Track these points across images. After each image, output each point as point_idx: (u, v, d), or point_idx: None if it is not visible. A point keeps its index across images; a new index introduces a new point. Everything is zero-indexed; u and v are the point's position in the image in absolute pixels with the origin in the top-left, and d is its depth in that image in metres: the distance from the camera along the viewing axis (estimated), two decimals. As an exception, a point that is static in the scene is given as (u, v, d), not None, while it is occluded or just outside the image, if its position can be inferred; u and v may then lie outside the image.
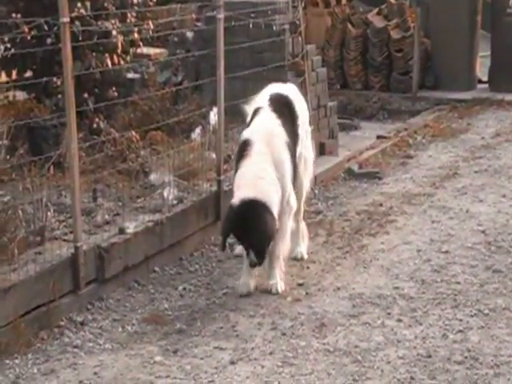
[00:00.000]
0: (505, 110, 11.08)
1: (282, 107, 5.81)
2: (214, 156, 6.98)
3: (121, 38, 7.65)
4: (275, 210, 5.39)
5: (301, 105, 6.11)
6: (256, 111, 5.80)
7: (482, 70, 12.23)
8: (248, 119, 5.87)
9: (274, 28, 9.04)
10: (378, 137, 9.74)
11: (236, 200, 5.36)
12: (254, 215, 5.28)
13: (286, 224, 5.63)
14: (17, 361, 4.69)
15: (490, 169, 8.42)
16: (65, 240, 5.50)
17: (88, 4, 7.43)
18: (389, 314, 5.28)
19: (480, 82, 12.21)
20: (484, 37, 12.49)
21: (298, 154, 5.88)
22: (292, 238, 5.90)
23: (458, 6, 11.80)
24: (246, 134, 5.65)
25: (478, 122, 10.50)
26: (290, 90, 6.15)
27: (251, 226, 5.29)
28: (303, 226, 6.25)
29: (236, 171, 5.56)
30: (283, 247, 5.65)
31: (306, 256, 6.15)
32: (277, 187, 5.45)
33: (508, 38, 11.63)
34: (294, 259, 6.11)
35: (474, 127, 10.24)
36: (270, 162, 5.46)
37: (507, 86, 11.58)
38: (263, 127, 5.63)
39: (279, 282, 5.63)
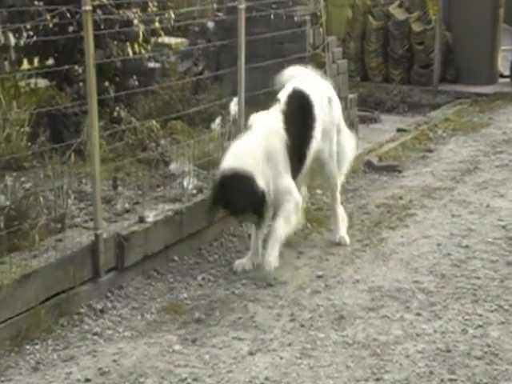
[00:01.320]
0: (526, 104, 11.01)
1: (297, 108, 5.89)
2: (234, 146, 6.95)
3: (142, 27, 7.66)
4: (256, 172, 5.52)
5: (325, 107, 6.10)
6: (275, 101, 5.95)
7: (503, 64, 12.14)
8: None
9: (295, 19, 9.02)
10: (398, 130, 9.70)
11: (219, 170, 5.62)
12: (233, 178, 5.48)
13: (289, 209, 5.71)
14: (37, 346, 4.71)
15: (510, 164, 8.37)
16: (85, 227, 5.51)
17: (110, -8, 7.43)
18: (408, 307, 5.26)
19: (501, 76, 12.12)
20: (506, 31, 12.42)
21: (321, 152, 6.07)
22: (332, 224, 6.33)
23: (481, -1, 11.73)
24: (251, 120, 5.85)
25: (500, 116, 10.44)
26: (316, 90, 6.12)
27: (232, 188, 5.49)
28: (341, 210, 6.42)
29: None
30: (284, 229, 5.69)
31: (348, 241, 6.27)
32: (257, 160, 5.57)
33: (531, 32, 11.56)
34: (338, 245, 6.23)
35: (495, 121, 10.18)
36: (261, 147, 5.63)
37: (529, 80, 11.51)
38: (265, 123, 5.78)
39: (274, 260, 5.63)
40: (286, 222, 5.72)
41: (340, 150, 6.35)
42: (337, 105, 6.35)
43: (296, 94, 6.00)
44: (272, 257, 5.65)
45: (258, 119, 5.87)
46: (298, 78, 6.22)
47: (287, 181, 5.74)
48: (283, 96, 5.99)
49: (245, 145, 5.70)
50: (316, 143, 6.02)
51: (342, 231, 6.35)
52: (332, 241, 6.33)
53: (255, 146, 5.66)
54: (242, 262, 5.84)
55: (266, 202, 5.60)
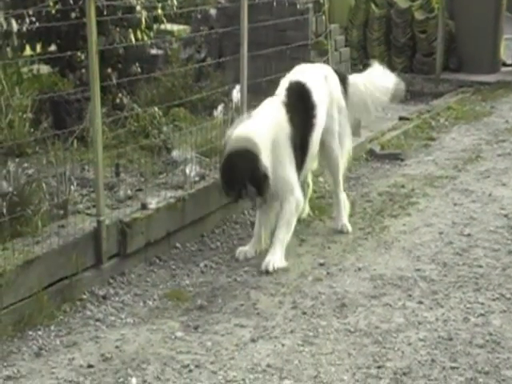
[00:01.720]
0: (529, 93, 10.99)
1: (296, 98, 5.89)
2: (236, 134, 6.94)
3: (144, 13, 7.64)
4: (263, 147, 5.53)
5: (324, 90, 6.10)
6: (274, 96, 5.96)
7: (506, 52, 12.11)
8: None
9: (298, 6, 9.01)
10: (401, 118, 9.68)
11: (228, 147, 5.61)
12: (238, 150, 5.52)
13: (290, 211, 5.72)
14: (40, 332, 4.72)
15: (513, 152, 8.37)
16: (88, 214, 5.51)
17: (113, -21, 7.41)
18: (410, 295, 5.27)
19: (504, 64, 12.10)
20: (509, 19, 12.37)
21: (324, 132, 6.09)
22: (334, 212, 6.38)
23: (484, -13, 11.68)
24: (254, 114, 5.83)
25: (502, 105, 10.42)
26: (312, 76, 6.14)
27: (235, 160, 5.51)
28: (344, 197, 6.42)
29: None
30: (286, 232, 5.72)
31: (350, 229, 6.28)
32: (268, 135, 5.60)
33: (534, 20, 11.53)
34: (340, 232, 6.24)
35: (497, 110, 10.16)
36: (270, 128, 5.64)
37: (532, 69, 11.49)
38: (268, 113, 5.76)
39: (273, 261, 5.61)
40: (287, 227, 5.74)
41: (341, 130, 6.32)
42: (334, 83, 6.28)
43: (293, 85, 6.00)
44: (274, 256, 5.64)
45: (261, 109, 5.85)
46: (294, 72, 6.23)
47: (290, 174, 5.72)
48: (281, 90, 6.00)
49: (254, 123, 5.67)
50: (319, 130, 6.03)
51: (344, 219, 6.35)
52: (334, 228, 6.34)
53: (263, 127, 5.64)
54: (245, 250, 5.85)
55: (267, 179, 5.56)
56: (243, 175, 5.54)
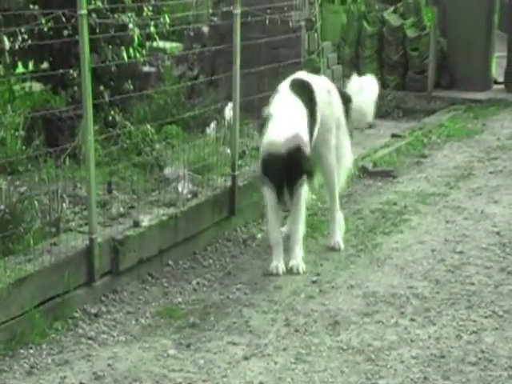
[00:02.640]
0: (520, 111, 11.03)
1: (301, 90, 6.07)
2: (228, 151, 6.97)
3: (137, 31, 7.66)
4: (307, 151, 5.78)
5: (325, 96, 6.22)
6: (276, 93, 6.15)
7: (497, 70, 12.17)
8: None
9: (291, 24, 9.05)
10: (393, 135, 9.71)
11: (275, 143, 5.70)
12: (295, 154, 5.66)
13: (300, 210, 5.92)
14: (31, 351, 4.70)
15: (505, 170, 8.38)
16: (80, 232, 5.50)
17: (105, -3, 7.44)
18: (402, 313, 5.26)
19: (496, 82, 12.15)
20: (500, 37, 12.43)
21: (321, 144, 6.23)
22: (329, 228, 6.44)
23: (475, 5, 11.74)
24: (268, 109, 5.99)
25: (494, 122, 10.46)
26: (315, 80, 6.32)
27: (296, 164, 5.68)
28: (340, 215, 6.47)
29: (263, 134, 5.89)
30: (302, 229, 5.95)
31: (342, 246, 6.32)
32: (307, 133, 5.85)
33: (525, 38, 11.58)
34: (332, 249, 6.28)
35: (489, 128, 10.20)
36: (299, 117, 5.88)
37: (523, 87, 11.53)
38: (284, 102, 5.97)
39: (301, 263, 5.85)
40: (301, 223, 5.94)
41: (339, 145, 6.37)
42: (336, 99, 6.39)
43: (296, 81, 6.18)
44: (298, 259, 5.86)
45: (276, 105, 5.99)
46: (297, 74, 6.44)
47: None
48: (284, 85, 6.15)
49: (284, 121, 5.81)
50: (317, 128, 6.13)
51: (338, 236, 6.36)
52: (327, 245, 6.35)
53: (298, 117, 5.85)
54: (278, 265, 5.84)
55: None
56: (302, 171, 5.77)
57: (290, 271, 5.84)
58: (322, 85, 6.33)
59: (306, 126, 5.87)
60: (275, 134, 5.75)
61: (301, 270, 5.83)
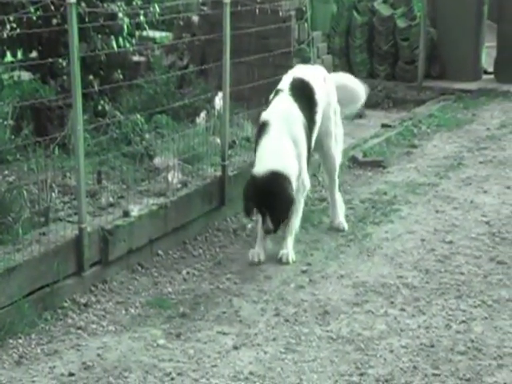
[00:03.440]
0: (510, 101, 11.00)
1: (301, 92, 6.09)
2: (218, 141, 6.95)
3: (127, 20, 7.62)
4: (294, 183, 5.78)
5: (323, 90, 6.27)
6: (276, 93, 6.15)
7: (487, 60, 12.18)
8: (270, 98, 6.21)
9: (280, 14, 9.02)
10: (383, 125, 9.70)
11: (259, 170, 5.74)
12: (277, 185, 5.67)
13: (300, 201, 6.00)
14: (20, 341, 4.69)
15: (494, 160, 8.40)
16: (69, 221, 5.48)
17: (94, -15, 7.40)
18: (392, 302, 5.27)
19: (486, 72, 12.15)
20: (490, 27, 12.43)
21: (322, 132, 6.28)
22: (331, 210, 6.55)
23: (465, -5, 11.75)
24: (265, 115, 5.98)
25: (484, 112, 10.47)
26: (313, 76, 6.34)
27: (273, 195, 5.66)
28: (339, 197, 6.61)
29: (256, 148, 5.93)
30: (296, 221, 6.00)
31: (346, 226, 6.44)
32: (295, 162, 5.82)
33: (514, 29, 11.58)
34: (337, 230, 6.39)
35: (479, 118, 10.21)
36: (289, 139, 5.84)
37: (513, 77, 11.54)
38: (281, 108, 5.96)
39: (290, 252, 5.88)
40: (296, 215, 5.99)
41: (338, 131, 6.51)
42: (331, 86, 6.47)
43: (297, 81, 6.19)
44: (288, 249, 5.89)
45: (271, 110, 5.98)
46: (295, 69, 6.47)
47: (304, 164, 5.98)
48: (285, 85, 6.16)
49: (276, 142, 5.80)
50: (317, 127, 6.21)
51: (341, 216, 6.51)
52: (331, 226, 6.48)
53: (287, 142, 5.81)
54: (258, 253, 5.88)
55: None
56: (275, 213, 5.75)
57: (279, 261, 5.85)
58: (319, 77, 6.36)
59: (294, 156, 5.80)
60: (261, 164, 5.75)
61: (290, 260, 5.84)
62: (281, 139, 5.82)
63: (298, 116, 5.93)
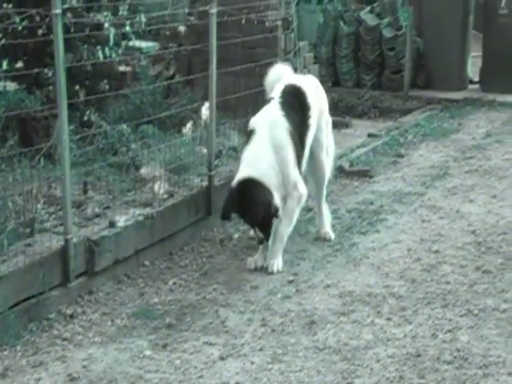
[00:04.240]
0: (496, 110, 11.09)
1: (293, 97, 6.11)
2: (205, 151, 6.96)
3: (113, 30, 7.62)
4: (273, 187, 5.75)
5: (316, 97, 6.31)
6: (268, 101, 6.18)
7: (473, 70, 12.24)
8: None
9: (267, 24, 9.03)
10: (369, 135, 9.74)
11: (235, 180, 5.79)
12: (249, 192, 5.68)
13: (292, 208, 5.99)
14: (5, 352, 4.66)
15: (480, 169, 8.43)
16: (55, 232, 5.46)
17: (80, -4, 7.40)
18: (378, 312, 5.28)
19: (471, 82, 12.23)
20: (476, 37, 12.51)
21: (313, 143, 6.28)
22: (317, 220, 6.55)
23: (451, 5, 11.81)
24: (251, 123, 6.02)
25: (469, 122, 10.52)
26: (306, 82, 6.38)
27: (247, 203, 5.68)
28: (326, 207, 6.61)
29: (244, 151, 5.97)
30: (287, 230, 5.98)
31: (333, 236, 6.44)
32: (274, 168, 5.81)
33: (500, 38, 11.65)
34: (323, 240, 6.40)
35: (464, 127, 10.25)
36: (270, 146, 5.83)
37: (498, 86, 11.60)
38: (265, 116, 5.98)
39: (277, 263, 5.86)
40: (288, 223, 5.99)
41: (329, 143, 6.53)
42: (323, 97, 6.51)
43: (289, 87, 6.20)
44: (275, 259, 5.86)
45: (258, 117, 6.02)
46: (287, 75, 6.45)
47: (293, 171, 5.94)
48: (277, 91, 6.16)
49: (257, 150, 5.84)
50: (312, 132, 6.22)
51: (327, 226, 6.51)
52: (317, 236, 6.48)
53: (267, 150, 5.83)
54: (255, 260, 5.92)
55: (276, 217, 5.83)
56: (256, 221, 5.79)
57: (265, 269, 5.85)
58: (311, 86, 6.38)
59: (274, 163, 5.80)
60: (239, 173, 5.81)
61: (275, 270, 5.82)
62: (260, 147, 5.83)
63: (282, 122, 5.91)
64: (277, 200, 5.78)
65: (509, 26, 11.68)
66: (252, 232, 6.11)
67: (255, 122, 5.99)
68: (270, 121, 5.93)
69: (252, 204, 5.69)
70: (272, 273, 5.81)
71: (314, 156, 6.39)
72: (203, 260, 6.10)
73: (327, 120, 6.50)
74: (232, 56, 8.45)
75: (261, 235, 5.82)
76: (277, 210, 5.77)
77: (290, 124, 5.95)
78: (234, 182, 5.78)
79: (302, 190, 6.02)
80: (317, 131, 6.30)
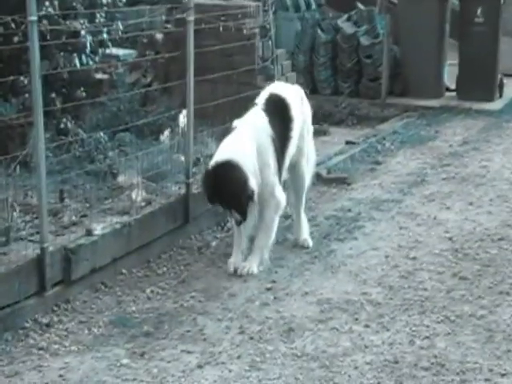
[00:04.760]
0: (472, 118, 11.16)
1: (276, 108, 6.11)
2: (182, 158, 6.94)
3: (89, 38, 7.59)
4: (249, 172, 5.71)
5: (300, 109, 6.31)
6: (251, 106, 6.16)
7: (450, 78, 12.32)
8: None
9: (245, 32, 9.04)
10: (347, 142, 9.75)
11: (211, 163, 5.79)
12: (225, 174, 5.67)
13: (270, 217, 6.01)
14: (-20, 363, 4.62)
15: (457, 176, 8.47)
16: (31, 241, 5.42)
17: (56, 3, 7.36)
18: (356, 319, 5.28)
19: (448, 89, 12.29)
20: (452, 45, 12.58)
21: (294, 152, 6.27)
22: (295, 227, 6.53)
23: (427, 14, 11.87)
24: (235, 123, 6.01)
25: (446, 129, 10.57)
26: (290, 93, 6.36)
27: (223, 184, 5.66)
28: (304, 216, 6.57)
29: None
30: (266, 239, 5.98)
31: (311, 244, 6.44)
32: (253, 158, 5.77)
33: (475, 47, 11.73)
34: (301, 247, 6.39)
35: (441, 134, 10.30)
36: (253, 142, 5.83)
37: (475, 94, 11.67)
38: (250, 119, 5.98)
39: (248, 267, 5.85)
40: (267, 235, 5.99)
41: (310, 151, 6.55)
42: (307, 106, 6.51)
43: (273, 96, 6.21)
44: (250, 263, 5.87)
45: (242, 119, 6.01)
46: (272, 85, 6.49)
47: (273, 177, 5.93)
48: (261, 99, 6.18)
49: (237, 139, 5.84)
50: (294, 144, 6.22)
51: (306, 234, 6.51)
52: (295, 243, 6.47)
53: (247, 140, 5.82)
54: (234, 262, 5.91)
55: (252, 202, 5.79)
56: (230, 201, 5.75)
57: (234, 272, 5.86)
58: (295, 96, 6.38)
59: (252, 152, 5.80)
60: (214, 157, 5.82)
61: (245, 272, 5.82)
62: (241, 137, 5.84)
63: (266, 127, 5.92)
64: (253, 183, 5.72)
65: (484, 35, 11.78)
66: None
67: (239, 122, 5.99)
68: (255, 124, 5.93)
69: (230, 185, 5.65)
70: (241, 275, 5.79)
71: (295, 164, 6.40)
72: (181, 268, 6.08)
73: (309, 129, 6.52)
74: (209, 63, 8.44)
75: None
76: (253, 191, 5.73)
77: (274, 131, 5.95)
78: (211, 164, 5.77)
79: (281, 197, 6.02)
80: (299, 140, 6.31)
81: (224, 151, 5.80)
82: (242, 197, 5.71)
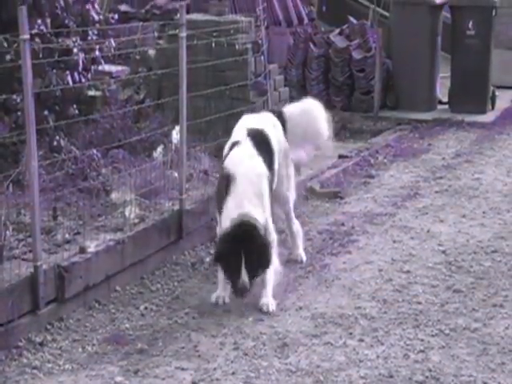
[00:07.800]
0: (465, 130, 11.19)
1: (260, 143, 5.97)
2: (176, 175, 6.95)
3: (82, 55, 7.61)
4: (263, 227, 5.64)
5: (276, 137, 6.22)
6: (233, 145, 5.96)
7: (442, 90, 12.37)
8: (225, 153, 6.04)
9: (237, 47, 9.07)
10: (340, 156, 9.77)
11: (231, 227, 5.54)
12: (252, 233, 5.52)
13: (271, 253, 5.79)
14: (-27, 383, 4.61)
15: (450, 189, 8.49)
16: (24, 259, 5.41)
17: (48, 21, 7.38)
18: (351, 333, 5.28)
19: (440, 102, 12.34)
20: (444, 58, 12.64)
21: (279, 178, 6.20)
22: (290, 242, 6.54)
23: (419, 27, 11.93)
24: (228, 165, 5.81)
25: (439, 142, 10.60)
26: (264, 122, 6.26)
27: (249, 247, 5.50)
28: (297, 226, 6.56)
29: (221, 208, 5.73)
30: (270, 273, 5.78)
31: (304, 258, 6.44)
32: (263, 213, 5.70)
33: (468, 59, 11.78)
34: (295, 261, 6.39)
35: (434, 147, 10.33)
36: (252, 195, 5.69)
37: (467, 107, 11.72)
38: (247, 164, 5.80)
39: (271, 302, 5.66)
40: (270, 267, 5.76)
41: (289, 171, 6.43)
42: (280, 131, 6.39)
43: (253, 131, 6.04)
44: (268, 298, 5.67)
45: (236, 162, 5.82)
46: (244, 120, 6.32)
47: (269, 217, 5.84)
48: (241, 136, 6.00)
49: (244, 193, 5.66)
50: (276, 174, 6.15)
51: (300, 249, 6.49)
52: (289, 257, 6.44)
53: (253, 197, 5.68)
54: (221, 295, 5.73)
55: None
56: (260, 265, 5.63)
57: (259, 310, 5.60)
58: (269, 125, 6.26)
59: (260, 204, 5.69)
60: (229, 214, 5.63)
61: (270, 309, 5.61)
62: (247, 189, 5.67)
63: (263, 172, 5.82)
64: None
65: (476, 47, 11.84)
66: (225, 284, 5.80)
67: (233, 166, 5.78)
68: (255, 170, 5.78)
69: (256, 248, 5.53)
70: (267, 312, 5.58)
71: (276, 189, 6.23)
72: (175, 284, 6.08)
73: (285, 151, 6.34)
74: (202, 79, 8.48)
75: (247, 281, 5.54)
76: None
77: (267, 168, 5.87)
78: (232, 229, 5.54)
79: (274, 236, 5.90)
80: (279, 168, 6.22)
81: (236, 210, 5.59)
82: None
